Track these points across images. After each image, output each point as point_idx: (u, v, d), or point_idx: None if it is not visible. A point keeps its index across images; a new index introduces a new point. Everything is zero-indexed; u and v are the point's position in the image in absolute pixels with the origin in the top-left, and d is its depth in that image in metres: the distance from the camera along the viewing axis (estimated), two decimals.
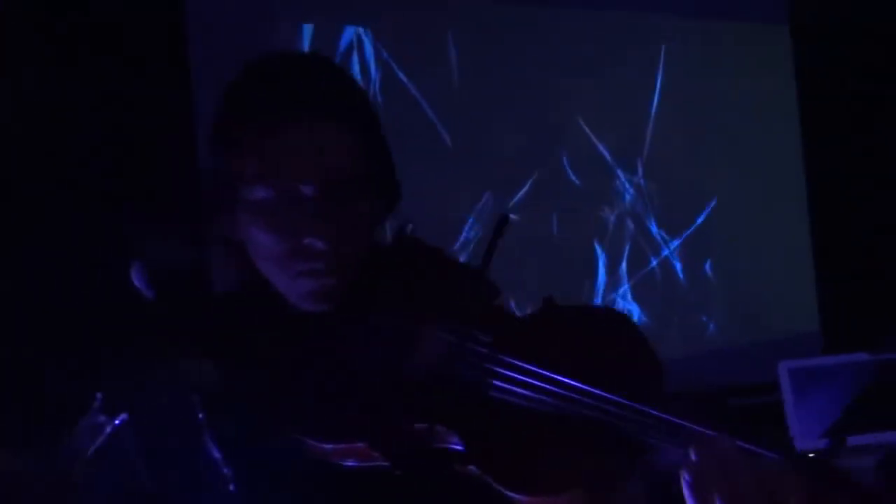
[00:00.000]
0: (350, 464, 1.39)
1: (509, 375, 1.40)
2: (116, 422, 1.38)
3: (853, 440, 3.02)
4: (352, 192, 1.42)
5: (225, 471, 1.39)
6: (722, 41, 4.05)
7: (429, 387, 1.37)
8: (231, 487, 1.39)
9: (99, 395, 1.39)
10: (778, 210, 4.03)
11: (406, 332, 1.43)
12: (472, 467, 1.35)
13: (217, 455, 1.40)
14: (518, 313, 1.54)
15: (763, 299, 4.00)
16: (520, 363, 1.40)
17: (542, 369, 1.39)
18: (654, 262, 3.97)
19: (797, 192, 4.02)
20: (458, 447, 1.37)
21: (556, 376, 1.38)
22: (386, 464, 1.36)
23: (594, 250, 3.92)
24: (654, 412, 1.34)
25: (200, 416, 1.41)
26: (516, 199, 3.81)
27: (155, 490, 1.45)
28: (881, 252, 3.81)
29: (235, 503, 1.40)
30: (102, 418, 1.38)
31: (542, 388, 1.38)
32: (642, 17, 3.95)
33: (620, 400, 1.36)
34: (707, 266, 4.03)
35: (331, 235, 1.40)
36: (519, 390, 1.39)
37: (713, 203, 4.03)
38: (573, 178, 3.90)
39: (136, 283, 1.46)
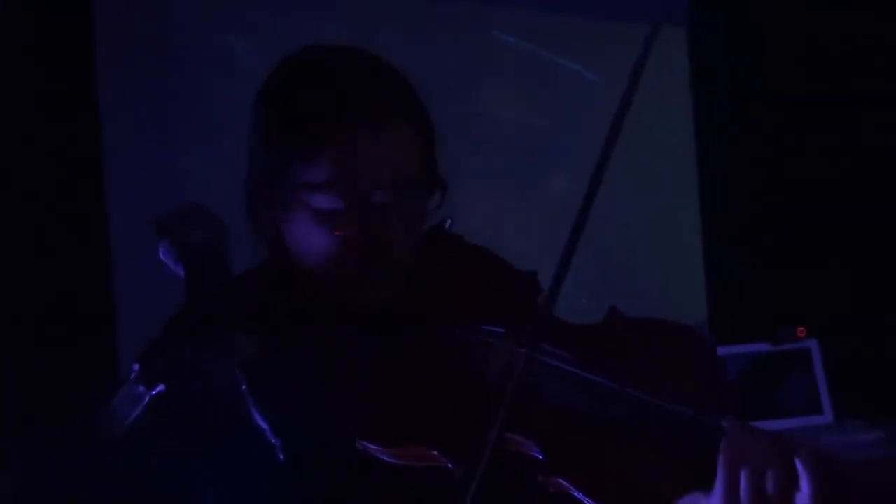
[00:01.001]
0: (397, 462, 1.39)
1: (581, 385, 1.42)
2: (153, 392, 1.37)
3: (761, 426, 3.16)
4: (417, 193, 1.45)
5: (273, 441, 1.39)
6: (617, 40, 4.13)
7: (502, 396, 1.39)
8: (280, 457, 1.39)
9: (136, 365, 1.37)
10: (668, 201, 4.13)
11: (480, 342, 1.44)
12: (555, 477, 1.37)
13: (264, 426, 1.40)
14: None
15: (651, 288, 4.11)
16: (589, 374, 1.42)
17: (609, 380, 1.42)
18: None
19: (688, 184, 4.13)
20: (538, 455, 1.39)
21: (622, 387, 1.41)
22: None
23: None
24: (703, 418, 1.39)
25: (244, 387, 1.41)
26: None
27: (199, 461, 1.44)
28: (768, 246, 3.96)
29: (285, 473, 1.40)
30: (140, 389, 1.36)
31: (610, 397, 1.41)
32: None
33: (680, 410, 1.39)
34: (593, 253, 4.11)
35: (395, 238, 1.43)
36: (588, 400, 1.41)
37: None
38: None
39: (164, 259, 1.45)
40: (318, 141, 1.41)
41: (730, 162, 4.04)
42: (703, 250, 4.09)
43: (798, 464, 1.35)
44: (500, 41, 4.00)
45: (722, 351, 3.17)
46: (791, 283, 3.80)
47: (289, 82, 1.49)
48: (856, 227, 3.82)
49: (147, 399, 1.36)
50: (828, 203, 3.86)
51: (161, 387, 1.37)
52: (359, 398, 1.41)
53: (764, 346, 3.25)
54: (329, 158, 1.41)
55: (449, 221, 1.53)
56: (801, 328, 3.22)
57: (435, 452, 1.36)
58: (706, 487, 1.36)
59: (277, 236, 1.50)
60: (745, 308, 3.92)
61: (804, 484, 1.33)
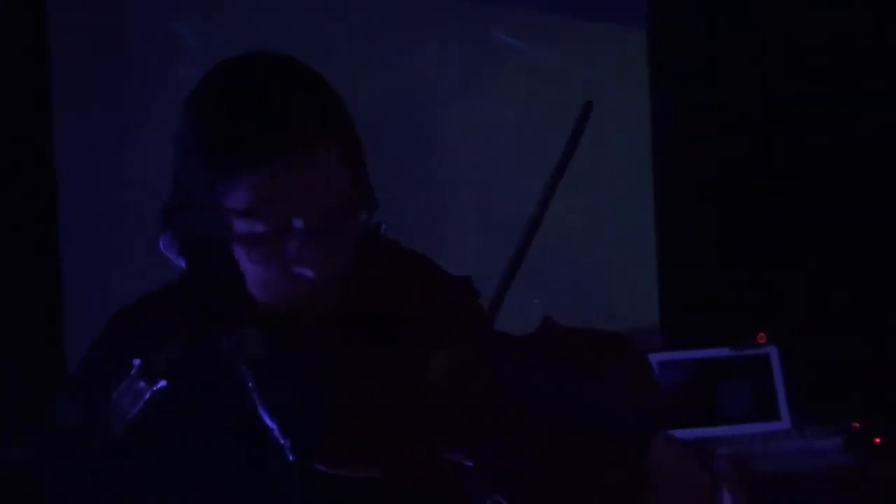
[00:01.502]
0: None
1: (515, 396, 1.41)
2: (155, 388, 1.33)
3: (714, 431, 3.18)
4: (344, 217, 1.40)
5: (283, 441, 1.36)
6: (577, 39, 4.14)
7: (441, 408, 1.37)
8: (290, 457, 1.35)
9: (137, 360, 1.33)
10: (623, 204, 4.15)
11: (419, 352, 1.42)
12: (484, 486, 1.37)
13: (272, 425, 1.36)
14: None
15: (604, 292, 4.12)
16: (523, 385, 1.42)
17: (542, 391, 1.41)
18: None
19: (643, 187, 4.15)
20: (467, 463, 1.37)
21: (554, 398, 1.41)
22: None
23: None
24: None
25: (250, 384, 1.37)
26: None
27: (199, 457, 1.41)
28: (723, 252, 3.99)
29: (294, 473, 1.37)
30: (141, 384, 1.32)
31: (542, 408, 1.41)
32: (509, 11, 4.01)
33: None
34: (547, 255, 4.11)
35: (321, 262, 1.39)
36: (520, 412, 1.40)
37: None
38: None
39: (165, 252, 1.41)
40: (238, 164, 1.35)
41: (686, 164, 4.06)
42: (658, 254, 4.11)
43: (720, 474, 1.36)
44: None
45: (681, 356, 3.20)
46: (749, 287, 3.83)
47: (211, 98, 1.43)
48: (816, 230, 3.86)
49: (148, 395, 1.32)
50: (787, 206, 3.90)
51: (163, 382, 1.32)
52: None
53: (722, 352, 3.26)
54: (249, 182, 1.35)
55: (384, 226, 1.50)
56: (761, 334, 3.24)
57: (377, 464, 1.34)
58: (633, 499, 1.36)
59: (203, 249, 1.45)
60: (701, 313, 3.94)
61: (725, 495, 1.34)
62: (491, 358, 1.44)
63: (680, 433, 2.95)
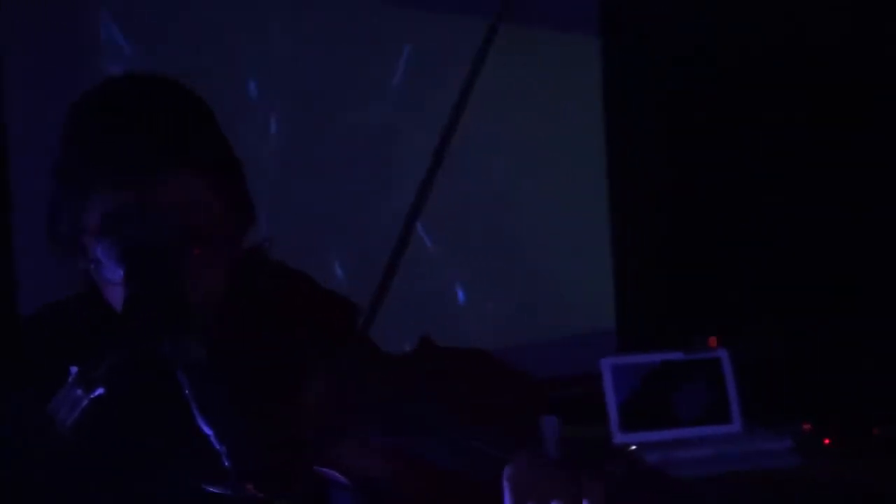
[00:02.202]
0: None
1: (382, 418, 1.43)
2: (92, 396, 1.33)
3: (667, 434, 3.20)
4: (207, 239, 1.42)
5: (219, 447, 1.36)
6: (529, 49, 4.16)
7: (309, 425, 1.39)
8: (226, 463, 1.35)
9: (74, 368, 1.34)
10: (577, 207, 4.17)
11: (287, 372, 1.43)
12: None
13: (208, 431, 1.36)
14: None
15: (560, 294, 4.14)
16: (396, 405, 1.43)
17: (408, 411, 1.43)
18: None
19: (597, 190, 4.18)
20: (342, 481, 1.40)
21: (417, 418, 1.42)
22: None
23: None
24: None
25: (187, 391, 1.38)
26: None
27: (136, 466, 1.41)
28: (678, 256, 4.02)
29: (232, 480, 1.37)
30: (78, 392, 1.33)
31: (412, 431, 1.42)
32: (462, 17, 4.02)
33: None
34: (501, 259, 4.13)
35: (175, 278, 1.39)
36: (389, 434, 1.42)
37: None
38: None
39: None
40: (92, 186, 1.38)
41: (639, 169, 4.09)
42: (613, 258, 4.14)
43: (584, 491, 1.37)
44: None
45: (634, 359, 3.22)
46: (702, 290, 3.86)
47: (72, 120, 1.46)
48: (767, 233, 3.89)
49: (85, 403, 1.32)
50: (737, 209, 3.93)
51: (100, 390, 1.33)
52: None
53: (675, 355, 3.28)
54: (100, 204, 1.38)
55: (268, 243, 1.52)
56: (712, 338, 3.26)
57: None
58: None
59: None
60: (655, 316, 3.98)
61: None
62: (363, 380, 1.45)
63: (634, 437, 3.01)
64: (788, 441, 3.17)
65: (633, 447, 3.14)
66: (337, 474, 1.42)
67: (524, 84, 4.12)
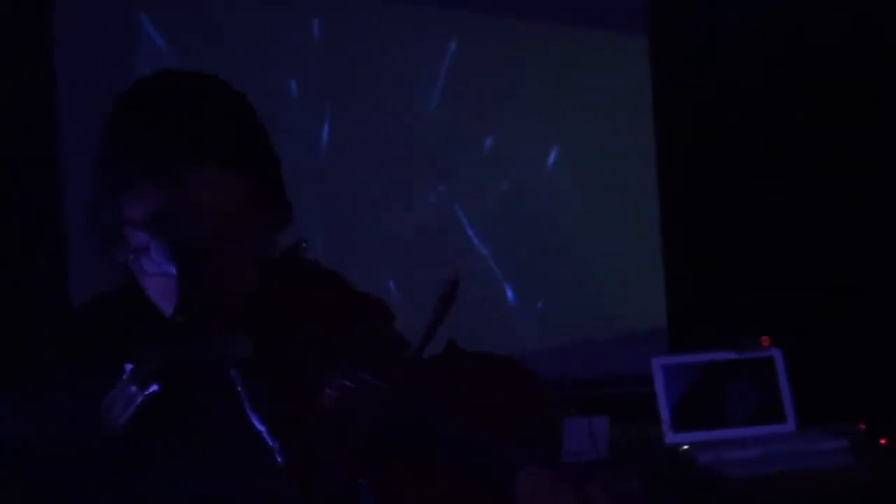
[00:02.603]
0: None
1: (401, 422, 1.42)
2: (146, 392, 1.34)
3: (720, 434, 3.18)
4: (241, 232, 1.42)
5: (271, 443, 1.37)
6: (579, 49, 4.15)
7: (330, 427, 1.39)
8: (279, 459, 1.36)
9: (129, 365, 1.34)
10: (629, 207, 4.15)
11: (312, 373, 1.43)
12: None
13: (261, 427, 1.37)
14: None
15: (613, 297, 4.13)
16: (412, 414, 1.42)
17: (436, 420, 1.42)
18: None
19: (649, 191, 4.16)
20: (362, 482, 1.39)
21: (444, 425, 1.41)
22: None
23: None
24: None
25: (239, 388, 1.38)
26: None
27: (189, 461, 1.42)
28: (727, 257, 3.99)
29: (283, 476, 1.38)
30: (133, 389, 1.33)
31: (430, 436, 1.41)
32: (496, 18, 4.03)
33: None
34: (552, 259, 4.13)
35: (219, 277, 1.40)
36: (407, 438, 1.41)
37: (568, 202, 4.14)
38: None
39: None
40: (134, 178, 1.39)
41: (691, 168, 4.06)
42: (664, 258, 4.11)
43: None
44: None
45: (686, 359, 3.20)
46: (755, 290, 3.83)
47: (116, 114, 1.46)
48: (820, 233, 3.86)
49: (140, 399, 1.33)
50: (792, 208, 3.90)
51: (155, 387, 1.34)
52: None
53: (728, 355, 3.26)
54: (144, 195, 1.38)
55: (304, 244, 1.51)
56: (765, 337, 3.24)
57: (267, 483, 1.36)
58: None
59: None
60: (706, 315, 3.95)
61: None
62: (386, 386, 1.44)
63: (686, 436, 2.99)
64: (844, 441, 3.13)
65: (686, 447, 3.11)
66: (353, 474, 1.41)
67: (574, 84, 4.12)
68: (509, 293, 4.06)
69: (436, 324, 1.38)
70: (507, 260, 4.09)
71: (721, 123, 4.04)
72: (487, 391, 1.50)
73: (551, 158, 4.11)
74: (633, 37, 4.14)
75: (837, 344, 3.64)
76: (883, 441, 3.18)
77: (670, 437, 3.18)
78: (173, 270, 1.41)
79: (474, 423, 1.40)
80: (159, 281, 1.43)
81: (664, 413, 3.18)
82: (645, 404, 3.29)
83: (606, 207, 4.14)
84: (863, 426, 3.21)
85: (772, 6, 3.92)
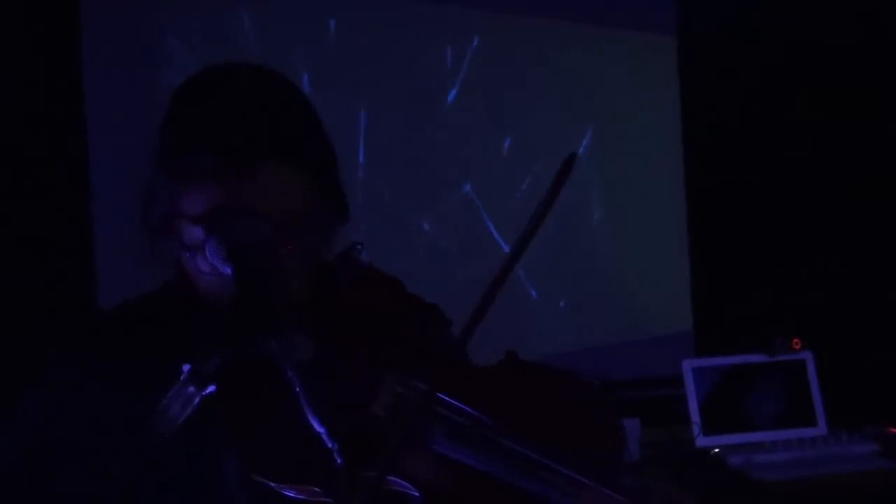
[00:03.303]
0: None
1: (459, 434, 1.40)
2: (205, 393, 1.33)
3: (750, 437, 3.17)
4: (300, 232, 1.41)
5: (330, 445, 1.36)
6: (605, 49, 4.14)
7: (384, 434, 1.38)
8: (339, 461, 1.35)
9: (186, 366, 1.33)
10: (657, 215, 4.14)
11: (366, 379, 1.42)
12: None
13: (320, 429, 1.36)
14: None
15: (639, 299, 4.12)
16: (474, 425, 1.40)
17: (493, 430, 1.40)
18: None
19: (676, 192, 4.14)
20: (414, 493, 1.37)
21: (502, 438, 1.40)
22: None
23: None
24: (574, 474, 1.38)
25: (298, 389, 1.37)
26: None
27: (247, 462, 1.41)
28: (754, 258, 3.98)
29: (342, 478, 1.37)
30: (191, 389, 1.33)
31: (489, 448, 1.40)
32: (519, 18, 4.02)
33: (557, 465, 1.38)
34: (578, 260, 4.12)
35: (275, 278, 1.38)
36: (469, 450, 1.40)
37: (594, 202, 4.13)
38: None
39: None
40: (194, 170, 1.38)
41: (719, 168, 4.05)
42: (691, 259, 4.10)
43: None
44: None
45: (716, 362, 3.19)
46: (784, 292, 3.82)
47: (178, 105, 1.45)
48: (849, 235, 3.84)
49: (198, 400, 1.32)
50: (823, 211, 3.88)
51: (212, 388, 1.33)
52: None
53: (758, 357, 3.25)
54: (204, 189, 1.37)
55: (360, 247, 1.50)
56: (796, 339, 3.22)
57: (316, 489, 1.35)
58: None
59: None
60: (734, 319, 3.94)
61: None
62: (444, 391, 1.43)
63: (717, 439, 2.97)
64: (875, 444, 3.12)
65: (717, 450, 3.10)
66: (406, 484, 1.40)
67: (599, 84, 4.11)
68: (533, 293, 4.05)
69: (547, 207, 1.34)
70: (531, 260, 4.08)
71: (749, 122, 4.02)
72: (549, 403, 1.49)
73: (580, 159, 4.08)
74: (661, 36, 4.13)
75: (871, 348, 3.62)
76: None
77: (701, 440, 3.17)
78: (228, 271, 1.40)
79: (535, 434, 1.39)
80: (212, 280, 1.42)
81: (694, 416, 3.17)
82: (672, 406, 3.28)
83: (632, 207, 4.13)
84: (893, 430, 3.20)
85: (800, 7, 3.91)
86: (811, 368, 3.25)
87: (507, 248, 3.95)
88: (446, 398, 1.44)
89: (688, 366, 3.21)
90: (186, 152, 1.39)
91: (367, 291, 1.55)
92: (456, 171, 4.00)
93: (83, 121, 3.49)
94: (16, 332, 3.18)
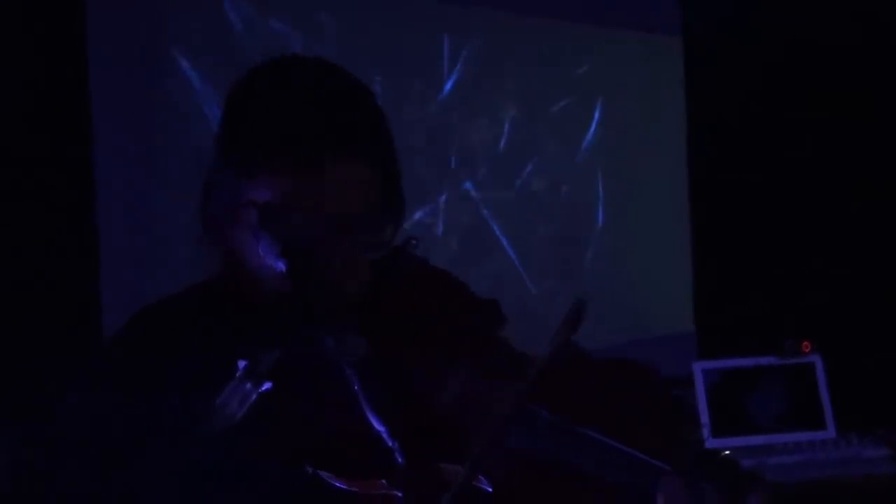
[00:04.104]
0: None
1: (527, 426, 1.38)
2: (261, 390, 1.32)
3: (759, 440, 3.17)
4: (358, 228, 1.39)
5: (391, 444, 1.34)
6: (606, 49, 4.14)
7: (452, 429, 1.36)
8: (399, 460, 1.34)
9: (242, 362, 1.32)
10: (660, 215, 4.14)
11: (434, 374, 1.41)
12: None
13: (380, 428, 1.35)
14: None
15: (641, 299, 4.12)
16: (536, 416, 1.39)
17: (565, 421, 1.38)
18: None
19: (679, 199, 4.15)
20: (487, 488, 1.36)
21: (570, 428, 1.38)
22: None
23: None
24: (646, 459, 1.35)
25: (356, 388, 1.36)
26: None
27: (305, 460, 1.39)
28: (758, 260, 3.98)
29: (403, 477, 1.35)
30: (248, 386, 1.31)
31: (561, 440, 1.38)
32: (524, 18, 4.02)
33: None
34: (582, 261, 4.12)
35: (337, 270, 1.38)
36: (534, 440, 1.38)
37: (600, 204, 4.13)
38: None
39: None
40: (261, 162, 1.36)
41: (723, 170, 4.06)
42: (693, 259, 4.11)
43: None
44: None
45: (726, 364, 3.19)
46: (787, 293, 3.83)
47: (242, 97, 1.43)
48: (858, 235, 3.85)
49: (255, 397, 1.31)
50: (831, 214, 3.89)
51: (268, 385, 1.31)
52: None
53: (768, 360, 3.25)
54: (270, 182, 1.35)
55: (414, 242, 1.49)
56: (806, 342, 3.22)
57: (383, 481, 1.33)
58: None
59: (230, 249, 1.44)
60: (736, 319, 3.94)
61: None
62: (509, 387, 1.41)
63: (727, 441, 2.97)
64: (885, 449, 3.12)
65: (727, 452, 3.09)
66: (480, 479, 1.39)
67: (604, 83, 4.11)
68: (534, 292, 4.04)
69: (561, 348, 1.34)
70: (533, 259, 4.08)
71: (752, 123, 4.03)
72: (616, 392, 1.47)
73: (583, 161, 4.09)
74: (665, 36, 4.13)
75: (881, 352, 3.63)
76: None
77: (710, 442, 3.16)
78: (282, 266, 1.38)
79: (606, 422, 1.37)
80: (269, 271, 1.39)
81: (704, 417, 3.17)
82: (678, 407, 3.27)
83: (635, 207, 4.13)
84: None
85: (804, 8, 3.91)
86: (820, 371, 3.25)
87: (507, 248, 3.95)
88: (515, 392, 1.42)
89: (698, 368, 3.21)
90: (252, 144, 1.37)
91: (422, 287, 1.54)
92: (455, 170, 3.99)
93: (88, 121, 3.46)
94: (16, 332, 3.16)
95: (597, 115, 4.09)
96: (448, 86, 3.95)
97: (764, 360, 3.26)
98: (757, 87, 4.01)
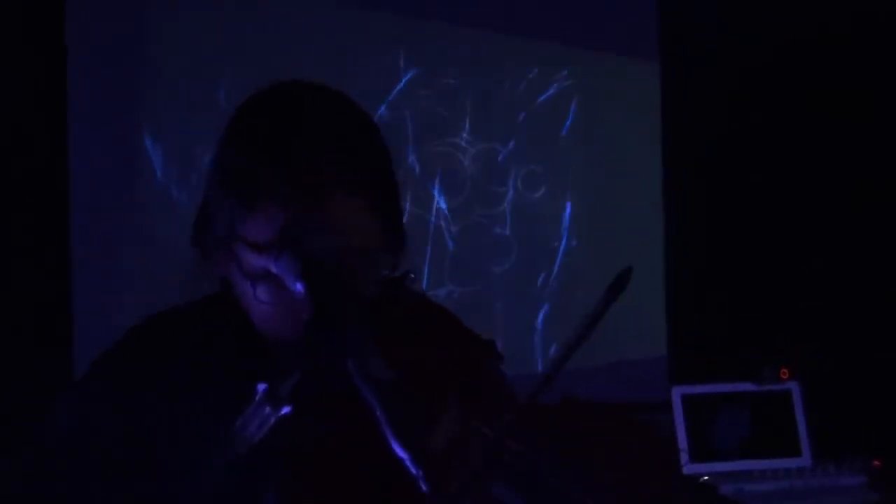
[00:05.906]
0: None
1: (519, 477, 1.37)
2: (280, 414, 1.29)
3: (741, 465, 3.18)
4: (361, 262, 1.37)
5: (415, 471, 1.31)
6: (591, 72, 4.14)
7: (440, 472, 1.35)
8: (424, 488, 1.31)
9: (262, 386, 1.29)
10: (633, 237, 4.14)
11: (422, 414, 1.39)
12: None
13: (403, 455, 1.32)
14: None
15: (613, 322, 4.10)
16: (530, 468, 1.37)
17: (553, 473, 1.37)
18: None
19: (654, 222, 4.15)
20: None
21: (563, 482, 1.37)
22: None
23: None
24: None
25: (378, 413, 1.33)
26: None
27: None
28: (733, 284, 3.99)
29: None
30: (267, 410, 1.28)
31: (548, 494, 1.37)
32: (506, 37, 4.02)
33: None
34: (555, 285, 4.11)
35: (352, 297, 1.34)
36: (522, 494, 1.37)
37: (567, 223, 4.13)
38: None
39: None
40: (258, 196, 1.33)
41: (697, 195, 4.07)
42: (665, 284, 4.11)
43: None
44: None
45: (703, 389, 3.19)
46: (762, 318, 3.83)
47: (244, 124, 1.40)
48: (835, 262, 3.86)
49: (273, 421, 1.28)
50: (806, 238, 3.90)
51: (287, 409, 1.28)
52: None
53: (745, 386, 3.26)
54: (267, 217, 1.33)
55: (411, 276, 1.47)
56: (784, 369, 3.24)
57: None
58: None
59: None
60: (707, 344, 3.95)
61: None
62: (500, 428, 1.39)
63: (704, 467, 2.97)
64: (862, 477, 3.14)
65: (706, 477, 3.10)
66: None
67: (582, 107, 4.11)
68: (504, 314, 4.03)
69: (599, 315, 1.31)
70: (504, 281, 4.06)
71: (730, 148, 4.04)
72: (611, 446, 1.45)
73: (549, 178, 4.09)
74: (644, 61, 4.14)
75: (857, 379, 3.64)
76: None
77: (689, 467, 3.16)
78: (300, 287, 1.35)
79: (597, 478, 1.35)
80: (269, 310, 1.37)
81: (682, 442, 3.17)
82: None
83: (609, 231, 4.13)
84: (877, 463, 3.22)
85: (781, 30, 3.93)
86: (797, 398, 3.26)
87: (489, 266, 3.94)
88: (506, 439, 1.39)
89: (677, 392, 3.21)
90: (252, 175, 1.34)
91: (421, 321, 1.51)
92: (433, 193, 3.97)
93: (64, 125, 3.44)
94: None
95: (565, 131, 4.09)
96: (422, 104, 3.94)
97: (741, 386, 3.27)
98: (736, 113, 4.03)
